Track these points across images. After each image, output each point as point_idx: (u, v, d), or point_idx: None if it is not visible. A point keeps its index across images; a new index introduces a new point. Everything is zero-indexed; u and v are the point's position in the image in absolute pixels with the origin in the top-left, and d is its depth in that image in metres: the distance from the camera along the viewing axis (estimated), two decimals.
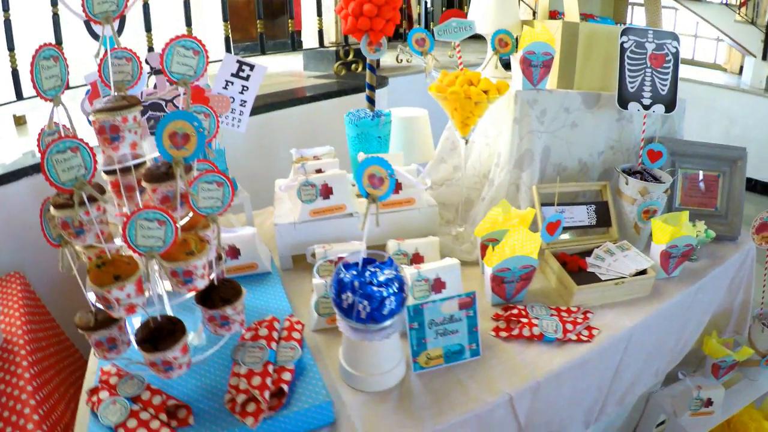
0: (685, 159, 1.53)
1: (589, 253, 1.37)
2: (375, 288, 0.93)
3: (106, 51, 0.95)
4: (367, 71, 1.56)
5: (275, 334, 1.07)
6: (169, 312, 1.01)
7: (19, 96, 2.13)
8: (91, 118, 0.91)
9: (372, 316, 0.93)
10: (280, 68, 2.80)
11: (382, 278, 0.94)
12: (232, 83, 1.39)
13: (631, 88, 1.41)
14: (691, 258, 1.45)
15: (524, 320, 1.17)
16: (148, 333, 0.89)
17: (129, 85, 1.00)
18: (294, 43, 2.98)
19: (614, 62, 1.41)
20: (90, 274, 0.86)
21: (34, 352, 1.27)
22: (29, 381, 1.15)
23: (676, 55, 1.37)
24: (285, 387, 0.94)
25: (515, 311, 1.21)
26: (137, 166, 0.96)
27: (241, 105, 1.41)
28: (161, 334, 0.89)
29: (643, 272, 1.29)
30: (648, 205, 1.40)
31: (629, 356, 1.25)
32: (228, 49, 2.81)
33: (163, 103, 1.30)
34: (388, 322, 0.96)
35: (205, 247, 0.94)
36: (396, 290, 0.94)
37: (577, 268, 1.33)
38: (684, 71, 2.46)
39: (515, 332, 1.15)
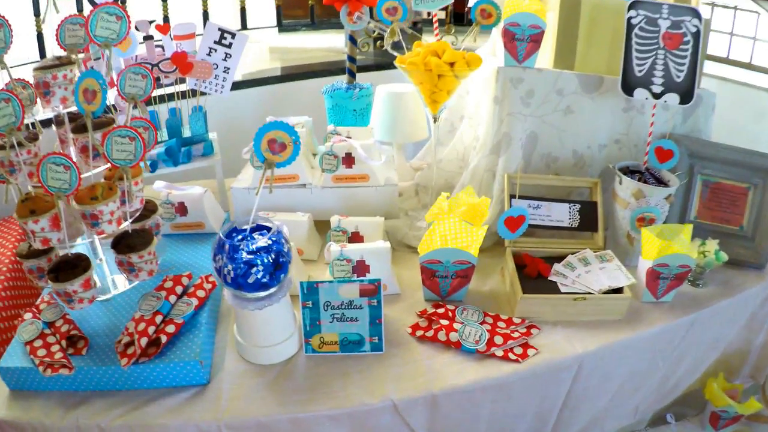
0: (707, 163, 1.28)
1: (561, 259, 1.19)
2: (245, 254, 0.85)
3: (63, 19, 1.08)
4: (348, 43, 1.46)
5: (179, 289, 1.07)
6: (100, 253, 1.13)
7: None
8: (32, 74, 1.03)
9: (238, 283, 0.86)
10: (326, 44, 2.76)
11: (253, 246, 0.86)
12: (216, 50, 1.43)
13: (639, 72, 1.19)
14: (695, 283, 1.21)
15: (445, 322, 1.03)
16: (56, 265, 0.97)
17: (114, 43, 1.08)
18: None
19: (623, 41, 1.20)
20: (16, 207, 0.94)
21: None
22: None
23: (696, 35, 1.13)
24: (163, 338, 0.95)
25: (442, 311, 1.07)
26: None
27: (224, 71, 1.44)
28: (67, 268, 0.96)
29: (617, 290, 1.09)
30: (644, 211, 1.18)
31: (584, 386, 1.06)
32: (279, 23, 2.83)
33: (150, 67, 1.36)
34: (261, 293, 0.88)
35: (112, 195, 0.97)
36: (269, 261, 0.86)
37: (536, 273, 1.15)
38: (741, 74, 2.11)
39: (429, 334, 1.01)
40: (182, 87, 1.50)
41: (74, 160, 0.90)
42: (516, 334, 1.02)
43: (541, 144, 1.30)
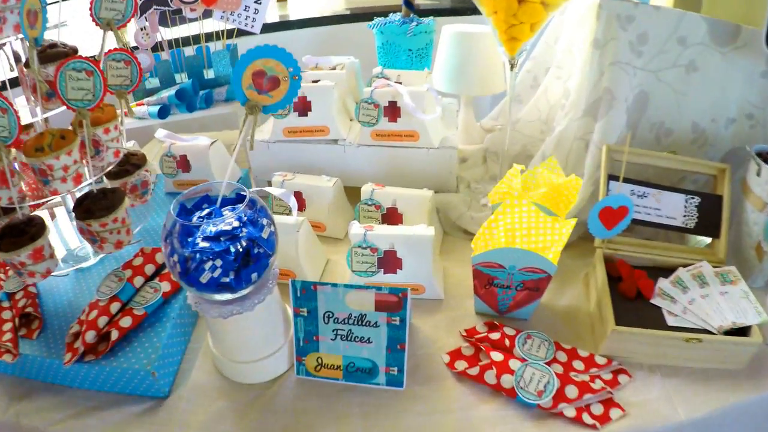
0: None
1: (670, 271, 0.84)
2: (200, 241, 0.57)
3: None
4: None
5: (150, 269, 0.83)
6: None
7: None
8: None
9: (189, 280, 0.59)
10: None
11: (211, 230, 0.58)
12: None
13: None
14: None
15: (498, 358, 0.72)
16: (3, 231, 0.77)
17: None
18: None
19: None
20: None
21: None
22: None
23: None
24: (115, 333, 0.73)
25: (496, 336, 0.76)
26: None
27: (256, 3, 1.17)
28: (15, 234, 0.77)
29: (743, 331, 0.74)
30: None
31: None
32: None
33: None
34: (225, 296, 0.61)
35: (64, 145, 0.75)
36: (232, 254, 0.58)
37: (634, 291, 0.81)
38: None
39: (474, 371, 0.71)
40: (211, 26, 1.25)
41: (11, 101, 0.70)
42: (597, 384, 0.70)
43: (653, 109, 0.93)
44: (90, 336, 0.73)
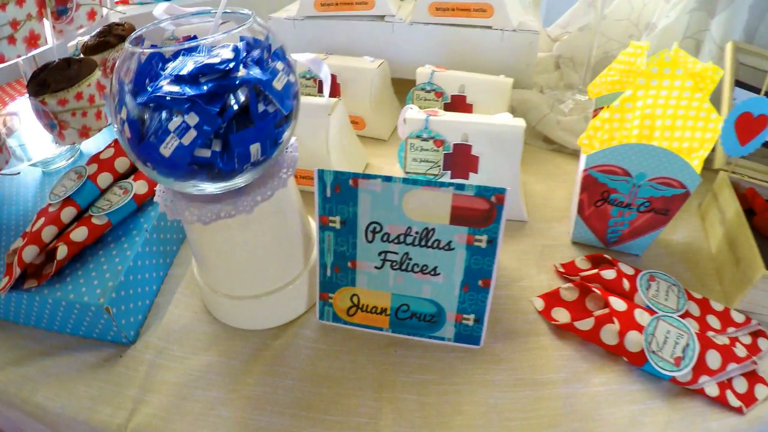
0: None
1: None
2: (163, 85, 0.33)
3: None
4: None
5: (122, 163, 0.59)
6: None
7: None
8: None
9: (144, 152, 0.35)
10: None
11: (188, 66, 0.34)
12: None
13: None
14: None
15: (620, 305, 0.48)
16: None
17: None
18: None
19: None
20: None
21: None
22: None
23: None
24: (63, 251, 0.50)
25: (610, 274, 0.52)
26: None
27: None
28: None
29: None
30: None
31: None
32: None
33: None
34: (202, 187, 0.38)
35: None
36: (216, 103, 0.34)
37: None
38: None
39: (586, 325, 0.48)
40: None
41: None
42: (740, 351, 0.47)
43: None
44: (29, 253, 0.50)
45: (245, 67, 0.36)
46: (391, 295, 0.45)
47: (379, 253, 0.43)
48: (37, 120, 0.62)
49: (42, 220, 0.53)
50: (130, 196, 0.54)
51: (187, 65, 0.35)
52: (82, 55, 0.65)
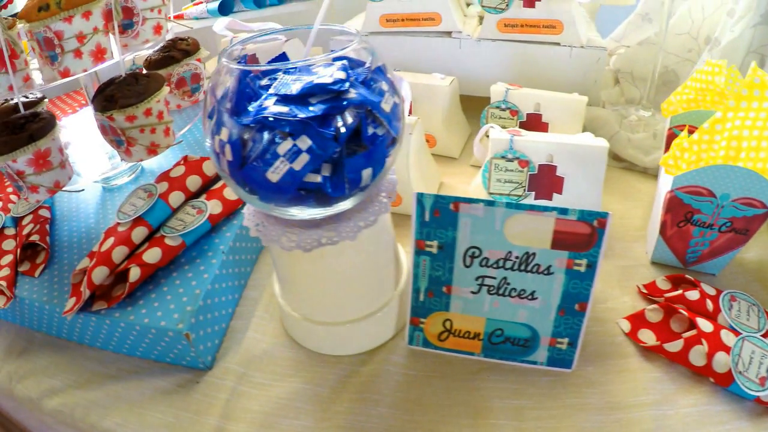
0: None
1: None
2: (269, 106, 0.32)
3: None
4: None
5: (193, 182, 0.59)
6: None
7: None
8: None
9: (247, 176, 0.34)
10: None
11: (295, 85, 0.33)
12: None
13: None
14: None
15: (707, 326, 0.48)
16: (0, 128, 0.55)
17: None
18: None
19: None
20: None
21: None
22: None
23: None
24: (135, 273, 0.49)
25: (694, 295, 0.51)
26: None
27: None
28: (9, 132, 0.55)
29: None
30: None
31: None
32: None
33: None
34: (305, 212, 0.37)
35: (82, 4, 0.52)
36: (331, 127, 0.33)
37: None
38: None
39: (675, 347, 0.47)
40: None
41: None
42: None
43: None
44: (99, 274, 0.49)
45: (352, 86, 0.35)
46: (486, 320, 0.44)
47: (477, 278, 0.43)
48: (103, 136, 0.61)
49: (111, 239, 0.52)
50: (205, 217, 0.54)
51: (293, 84, 0.34)
52: (145, 70, 0.65)
